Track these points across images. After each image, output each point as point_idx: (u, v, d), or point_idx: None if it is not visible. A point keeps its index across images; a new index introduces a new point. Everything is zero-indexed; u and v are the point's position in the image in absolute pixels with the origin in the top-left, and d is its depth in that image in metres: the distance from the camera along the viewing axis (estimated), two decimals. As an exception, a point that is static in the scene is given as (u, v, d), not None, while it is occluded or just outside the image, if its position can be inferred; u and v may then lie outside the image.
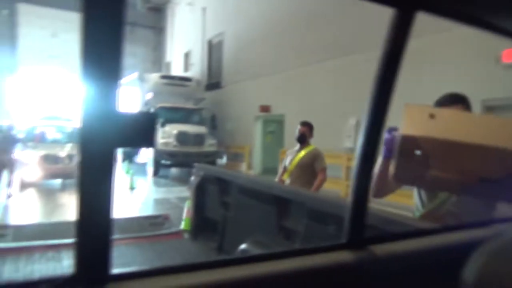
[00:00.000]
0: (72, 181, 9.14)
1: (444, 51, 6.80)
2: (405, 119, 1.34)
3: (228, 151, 14.30)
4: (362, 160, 1.05)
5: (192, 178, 3.28)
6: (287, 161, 4.01)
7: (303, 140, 4.01)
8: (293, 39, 11.23)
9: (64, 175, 9.23)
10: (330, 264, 0.98)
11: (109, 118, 0.67)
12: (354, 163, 1.06)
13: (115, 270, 0.76)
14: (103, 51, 0.66)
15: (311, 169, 3.80)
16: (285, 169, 3.98)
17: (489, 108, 6.34)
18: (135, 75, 14.21)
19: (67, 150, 9.75)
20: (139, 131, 0.74)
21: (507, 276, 0.62)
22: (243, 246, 2.32)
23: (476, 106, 6.22)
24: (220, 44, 16.11)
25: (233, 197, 2.74)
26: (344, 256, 1.01)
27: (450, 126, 1.32)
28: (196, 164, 3.54)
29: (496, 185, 1.26)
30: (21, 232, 3.82)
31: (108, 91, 0.67)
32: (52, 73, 19.69)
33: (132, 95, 14.36)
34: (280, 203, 2.18)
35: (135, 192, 9.25)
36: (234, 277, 0.85)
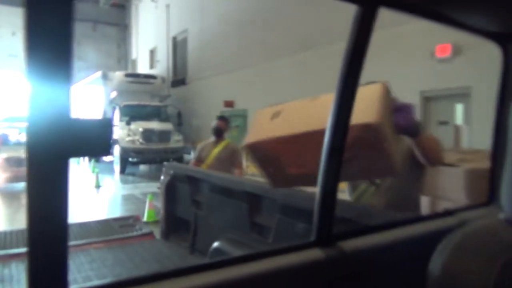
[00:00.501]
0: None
1: (386, 47, 7.33)
2: (252, 126, 1.35)
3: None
4: (329, 156, 1.02)
5: (162, 177, 3.21)
6: (203, 153, 4.05)
7: (219, 134, 4.08)
8: (255, 36, 11.58)
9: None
10: (300, 263, 0.97)
11: (61, 125, 0.62)
12: (322, 159, 1.04)
13: (74, 286, 0.70)
14: (51, 50, 0.60)
15: (229, 162, 3.85)
16: (200, 160, 3.98)
17: (427, 99, 6.93)
18: (98, 73, 14.17)
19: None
20: (95, 139, 0.69)
21: (470, 269, 0.62)
22: (215, 244, 2.34)
23: (415, 97, 6.82)
24: (184, 41, 16.26)
25: (205, 195, 2.67)
26: (313, 254, 0.99)
27: (293, 119, 1.30)
28: (165, 163, 3.54)
29: (348, 165, 1.19)
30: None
31: (59, 95, 0.62)
32: (13, 72, 19.24)
33: (96, 94, 14.32)
34: (251, 200, 2.15)
35: (102, 190, 9.40)
36: (202, 284, 0.82)
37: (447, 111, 6.66)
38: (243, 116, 12.73)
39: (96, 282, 0.73)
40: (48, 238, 0.64)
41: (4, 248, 2.21)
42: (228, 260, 0.91)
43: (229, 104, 12.83)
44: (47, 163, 0.62)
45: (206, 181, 2.67)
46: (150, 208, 5.99)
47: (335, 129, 1.02)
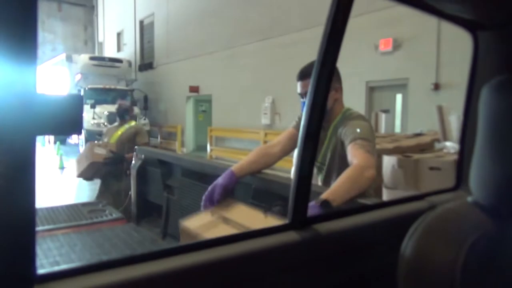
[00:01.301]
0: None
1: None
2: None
3: (162, 131, 14.79)
4: (305, 139, 1.02)
5: (133, 161, 3.13)
6: (106, 137, 3.96)
7: (121, 115, 4.02)
8: (220, 22, 11.84)
9: None
10: (275, 246, 0.97)
11: (26, 101, 0.59)
12: (298, 142, 1.04)
13: (42, 270, 0.68)
14: (14, 22, 0.57)
15: (132, 144, 3.69)
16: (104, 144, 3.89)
17: (371, 88, 7.52)
18: (63, 56, 14.08)
19: None
20: (65, 116, 0.65)
21: (439, 250, 0.64)
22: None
23: (362, 87, 7.46)
24: (151, 25, 16.27)
25: (177, 179, 2.62)
26: (288, 237, 1.01)
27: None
28: (136, 147, 3.47)
29: None
30: None
31: (24, 69, 0.58)
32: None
33: (61, 76, 14.24)
34: None
35: (65, 171, 9.60)
36: (175, 267, 0.81)
37: (389, 101, 7.28)
38: (209, 101, 13.07)
39: (65, 266, 0.72)
40: (14, 221, 0.61)
41: None
42: (201, 243, 0.90)
43: (194, 89, 13.12)
44: (12, 141, 0.58)
45: (178, 165, 2.61)
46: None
47: (311, 114, 1.02)
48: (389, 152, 2.94)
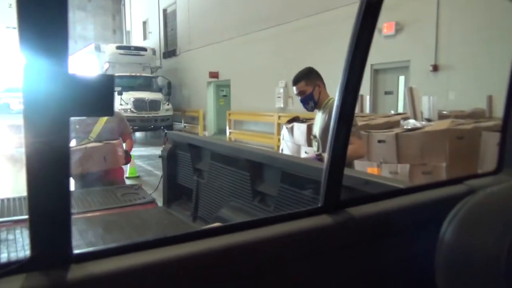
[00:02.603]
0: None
1: (342, 24, 8.13)
2: None
3: (185, 115, 15.50)
4: (339, 122, 1.01)
5: (163, 146, 3.17)
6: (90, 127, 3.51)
7: None
8: (237, 9, 12.24)
9: None
10: (308, 229, 0.96)
11: (59, 82, 0.58)
12: (331, 125, 1.03)
13: (78, 250, 0.69)
14: (46, 9, 0.56)
15: (116, 132, 3.48)
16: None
17: (376, 71, 7.80)
18: (92, 46, 14.95)
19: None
20: (97, 97, 0.64)
21: (483, 237, 0.60)
22: (218, 212, 2.33)
23: (367, 70, 7.78)
24: (174, 13, 16.86)
25: (206, 163, 2.65)
26: (321, 220, 0.99)
27: None
28: (167, 131, 3.47)
29: None
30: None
31: (55, 52, 0.58)
32: (11, 43, 19.92)
33: (90, 65, 15.14)
34: (253, 168, 2.16)
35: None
36: (209, 248, 0.81)
37: (392, 82, 7.55)
38: (228, 86, 13.60)
39: (99, 247, 0.74)
40: (50, 202, 0.62)
41: (9, 214, 2.26)
42: (234, 226, 0.91)
43: (214, 75, 13.67)
44: (45, 123, 0.59)
45: (208, 149, 2.65)
46: (132, 166, 7.05)
47: (344, 97, 1.01)
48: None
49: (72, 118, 1.89)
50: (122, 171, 3.51)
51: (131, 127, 3.88)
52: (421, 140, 2.69)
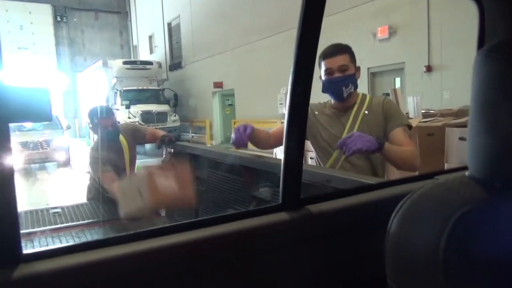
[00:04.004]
0: (53, 164, 10.60)
1: (335, 30, 8.33)
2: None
3: (193, 126, 15.80)
4: (292, 118, 1.02)
5: (164, 155, 3.20)
6: (107, 158, 3.02)
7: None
8: (239, 19, 12.54)
9: (42, 159, 10.61)
10: (266, 226, 0.98)
11: None
12: (284, 125, 1.03)
13: (26, 250, 0.72)
14: None
15: (135, 142, 3.25)
16: (109, 170, 2.99)
17: (373, 74, 7.96)
18: (100, 62, 15.40)
19: (44, 136, 11.09)
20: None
21: (424, 225, 0.61)
22: None
23: (364, 73, 8.02)
24: (178, 26, 17.28)
25: (204, 171, 2.69)
26: (280, 217, 1.00)
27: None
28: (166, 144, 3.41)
29: None
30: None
31: None
32: (22, 63, 20.59)
33: (99, 80, 15.58)
34: (250, 174, 2.18)
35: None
36: (163, 245, 0.82)
37: (389, 84, 7.70)
38: (232, 95, 13.88)
39: (50, 246, 0.76)
40: None
41: None
42: (193, 223, 0.92)
43: (218, 84, 13.96)
44: None
45: (205, 158, 2.70)
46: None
47: (295, 90, 1.01)
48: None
49: (99, 159, 2.20)
50: None
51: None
52: (395, 138, 2.83)
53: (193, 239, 0.87)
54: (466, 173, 0.64)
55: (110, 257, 0.77)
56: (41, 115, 0.74)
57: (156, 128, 12.98)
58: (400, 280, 0.63)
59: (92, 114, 2.95)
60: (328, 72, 1.74)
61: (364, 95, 1.83)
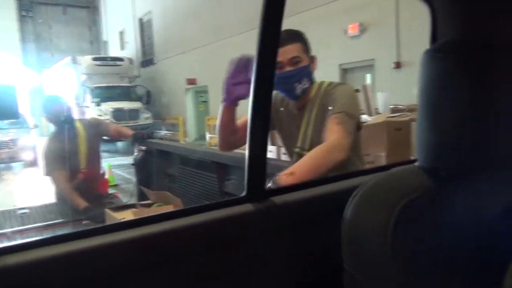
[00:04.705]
0: (20, 164, 10.24)
1: (308, 27, 8.40)
2: None
3: (165, 123, 15.59)
4: (255, 112, 1.02)
5: (135, 153, 3.16)
6: (61, 158, 2.82)
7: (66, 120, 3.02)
8: (211, 15, 12.45)
9: (7, 159, 10.23)
10: (230, 217, 0.98)
11: None
12: (249, 114, 1.03)
13: None
14: None
15: (100, 141, 3.18)
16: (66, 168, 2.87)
17: (344, 71, 8.08)
18: (68, 58, 14.95)
19: (10, 135, 10.69)
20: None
21: (373, 214, 0.64)
22: None
23: (335, 70, 8.09)
24: (150, 22, 16.97)
25: (176, 168, 2.71)
26: (244, 209, 1.02)
27: None
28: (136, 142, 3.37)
29: None
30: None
31: None
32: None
33: (68, 77, 15.13)
34: (220, 170, 2.18)
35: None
36: (131, 237, 0.84)
37: (360, 81, 7.83)
38: (206, 91, 13.77)
39: (12, 242, 0.79)
40: None
41: None
42: (156, 217, 0.93)
43: (191, 81, 13.83)
44: None
45: (177, 155, 2.71)
46: (110, 174, 7.17)
47: (259, 79, 1.01)
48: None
49: (52, 157, 2.29)
50: (107, 183, 3.41)
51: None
52: (364, 132, 2.89)
53: (160, 231, 0.88)
54: (416, 163, 0.67)
55: (80, 250, 0.78)
56: (8, 113, 0.76)
57: (128, 125, 12.76)
58: (355, 264, 0.66)
59: (45, 104, 2.91)
60: (278, 66, 1.47)
61: (320, 86, 1.57)
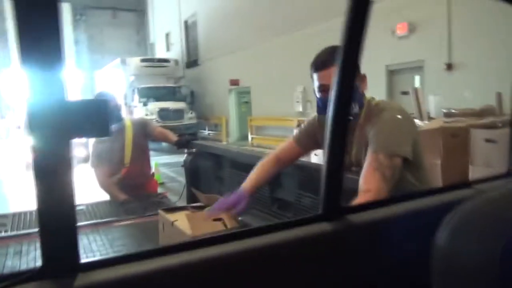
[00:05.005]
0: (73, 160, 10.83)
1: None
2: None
3: (209, 123, 15.89)
4: (334, 126, 1.00)
5: (185, 155, 3.20)
6: (112, 154, 3.01)
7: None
8: (255, 17, 12.52)
9: None
10: (307, 237, 0.97)
11: (58, 108, 0.65)
12: (326, 131, 1.01)
13: (84, 260, 0.74)
14: (40, 37, 0.62)
15: (147, 142, 3.22)
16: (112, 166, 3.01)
17: (391, 72, 7.86)
18: (118, 60, 15.62)
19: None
20: (92, 120, 0.72)
21: (476, 243, 0.59)
22: (240, 219, 2.53)
23: (382, 71, 7.92)
24: (195, 24, 17.36)
25: (226, 171, 2.70)
26: (320, 228, 0.99)
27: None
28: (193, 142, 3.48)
29: None
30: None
31: (52, 78, 0.64)
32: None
33: (117, 78, 15.80)
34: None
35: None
36: (213, 255, 0.85)
37: (407, 83, 7.59)
38: (248, 92, 13.90)
39: (105, 256, 0.81)
40: (57, 217, 0.68)
41: (24, 227, 2.42)
42: (233, 234, 0.93)
43: (235, 82, 13.99)
44: (49, 145, 0.65)
45: (227, 158, 2.70)
46: (157, 172, 7.42)
47: (339, 99, 0.99)
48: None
49: (98, 152, 2.36)
50: (156, 183, 3.49)
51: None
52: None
53: (234, 250, 0.88)
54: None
55: (162, 267, 0.79)
56: (99, 130, 0.74)
57: (174, 124, 13.09)
58: None
59: (97, 97, 3.04)
60: (322, 89, 1.45)
61: (369, 105, 1.51)
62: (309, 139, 1.73)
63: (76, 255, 0.73)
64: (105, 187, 2.97)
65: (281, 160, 1.77)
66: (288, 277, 0.95)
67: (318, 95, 1.52)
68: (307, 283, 0.98)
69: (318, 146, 1.71)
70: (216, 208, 1.57)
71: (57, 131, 0.66)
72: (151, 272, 0.77)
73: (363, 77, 1.50)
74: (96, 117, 0.73)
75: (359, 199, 1.29)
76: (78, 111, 0.70)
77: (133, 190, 2.95)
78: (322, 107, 1.48)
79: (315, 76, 1.50)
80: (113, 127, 2.94)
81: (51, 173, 0.67)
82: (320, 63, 1.47)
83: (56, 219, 0.69)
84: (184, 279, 0.82)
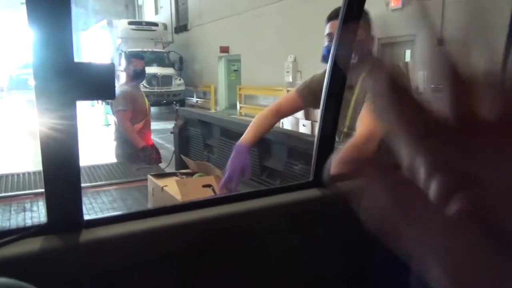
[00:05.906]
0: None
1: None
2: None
3: (197, 90, 15.70)
4: (328, 97, 1.01)
5: (175, 122, 3.25)
6: (137, 104, 3.31)
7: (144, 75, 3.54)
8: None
9: None
10: (297, 202, 0.99)
11: (65, 69, 0.65)
12: (321, 100, 1.02)
13: (87, 217, 0.78)
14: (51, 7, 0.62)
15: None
16: (136, 112, 3.29)
17: (383, 45, 7.80)
18: (104, 21, 15.11)
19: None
20: (99, 83, 0.71)
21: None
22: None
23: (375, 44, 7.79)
24: (185, -14, 16.81)
25: (216, 139, 2.70)
26: (310, 194, 1.01)
27: None
28: (178, 108, 3.65)
29: None
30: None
31: (61, 41, 0.64)
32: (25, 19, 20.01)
33: (103, 40, 15.34)
34: (261, 144, 2.15)
35: (110, 127, 10.82)
36: (205, 216, 0.87)
37: (399, 57, 7.56)
38: (238, 60, 13.69)
39: (106, 214, 0.82)
40: (62, 177, 0.70)
41: (30, 187, 2.46)
42: (227, 197, 0.95)
43: (224, 49, 13.74)
44: (55, 107, 0.65)
45: (217, 125, 2.72)
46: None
47: (333, 72, 1.00)
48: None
49: (126, 98, 2.48)
50: (150, 137, 3.65)
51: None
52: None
53: (226, 213, 0.91)
54: None
55: (156, 226, 0.83)
56: (105, 93, 0.74)
57: (161, 91, 12.86)
58: None
59: (130, 55, 3.58)
60: (329, 38, 1.49)
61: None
62: (310, 94, 1.73)
63: (80, 213, 0.76)
64: (129, 132, 3.22)
65: (280, 112, 1.83)
66: (279, 240, 0.97)
67: (325, 43, 1.56)
68: (297, 245, 1.01)
69: (316, 105, 1.74)
70: (227, 178, 1.60)
71: (64, 92, 0.66)
72: (148, 230, 0.81)
73: (372, 38, 1.54)
74: (103, 80, 0.73)
75: (354, 139, 1.30)
76: (86, 73, 0.70)
77: (144, 140, 3.29)
78: (326, 55, 1.51)
79: (327, 26, 1.56)
80: (136, 81, 3.39)
81: (57, 135, 0.67)
82: (333, 13, 1.50)
83: (62, 178, 0.71)
84: (176, 238, 0.85)
